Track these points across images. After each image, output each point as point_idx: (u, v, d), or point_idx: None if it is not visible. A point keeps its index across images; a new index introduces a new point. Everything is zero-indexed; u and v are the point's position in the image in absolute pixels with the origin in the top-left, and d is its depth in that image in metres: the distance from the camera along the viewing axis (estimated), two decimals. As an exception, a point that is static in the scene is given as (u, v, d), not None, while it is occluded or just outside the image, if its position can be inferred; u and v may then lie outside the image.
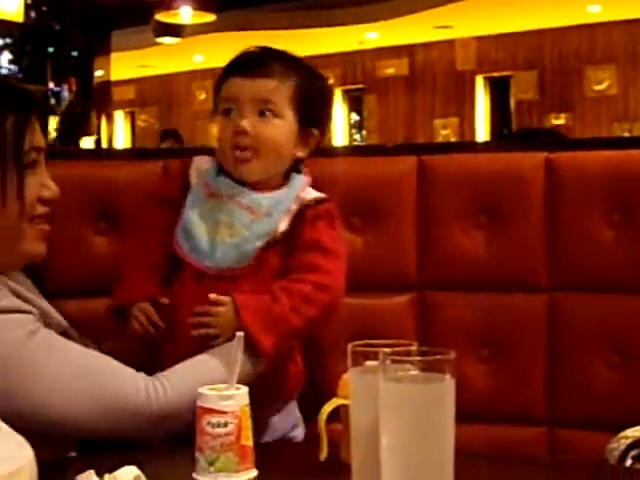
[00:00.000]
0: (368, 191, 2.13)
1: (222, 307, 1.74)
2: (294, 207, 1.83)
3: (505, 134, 11.25)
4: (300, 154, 1.89)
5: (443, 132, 11.51)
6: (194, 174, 1.90)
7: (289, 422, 1.93)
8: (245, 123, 1.81)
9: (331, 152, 2.29)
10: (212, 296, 1.75)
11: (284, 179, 1.89)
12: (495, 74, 11.38)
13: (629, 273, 2.01)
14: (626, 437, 1.74)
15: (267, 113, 1.82)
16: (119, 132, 14.38)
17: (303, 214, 1.83)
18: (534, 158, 2.08)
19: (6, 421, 1.33)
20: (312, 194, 1.87)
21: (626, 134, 10.17)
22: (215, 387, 1.38)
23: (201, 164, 1.92)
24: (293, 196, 1.85)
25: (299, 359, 1.94)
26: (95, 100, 10.06)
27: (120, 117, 14.55)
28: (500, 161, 2.11)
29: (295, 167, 1.91)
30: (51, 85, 9.52)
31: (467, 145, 2.18)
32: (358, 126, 12.73)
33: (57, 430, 1.60)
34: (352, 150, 2.14)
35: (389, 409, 1.13)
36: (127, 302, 1.84)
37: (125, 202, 2.10)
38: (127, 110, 14.55)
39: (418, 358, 1.15)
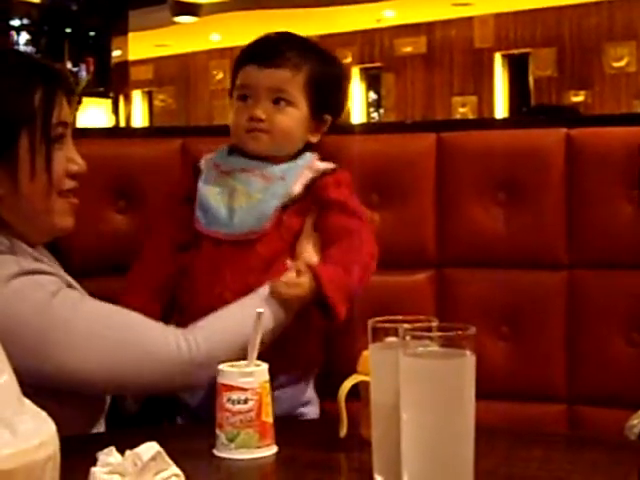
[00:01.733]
0: (386, 168, 2.13)
1: (303, 277, 1.74)
2: (307, 172, 1.88)
3: (524, 112, 11.19)
4: (312, 139, 1.94)
5: (461, 110, 11.48)
6: (204, 162, 1.94)
7: (300, 398, 1.94)
8: (260, 111, 1.87)
9: (349, 129, 2.29)
10: (291, 264, 1.78)
11: (294, 155, 1.93)
12: (514, 51, 11.33)
13: (648, 249, 2.00)
14: (646, 414, 1.74)
15: (281, 102, 1.88)
16: (137, 112, 14.40)
17: (320, 180, 1.88)
18: (554, 134, 2.07)
19: (42, 384, 1.34)
20: (325, 164, 1.91)
21: (646, 112, 10.11)
22: (235, 364, 1.39)
23: (210, 155, 1.96)
24: (304, 165, 1.90)
25: (320, 333, 1.96)
26: (113, 80, 10.08)
27: (138, 97, 14.56)
28: (519, 138, 2.10)
29: (305, 149, 1.95)
30: (69, 65, 9.55)
31: (486, 122, 2.17)
32: (376, 105, 12.71)
33: (92, 388, 1.61)
34: (370, 127, 2.13)
35: (409, 385, 1.13)
36: None
37: (144, 181, 2.11)
38: (145, 90, 14.57)
39: (438, 334, 1.14)
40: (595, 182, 2.04)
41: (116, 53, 10.21)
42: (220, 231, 1.85)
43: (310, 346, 1.94)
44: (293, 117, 1.88)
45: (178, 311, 1.89)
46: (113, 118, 10.05)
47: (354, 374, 1.41)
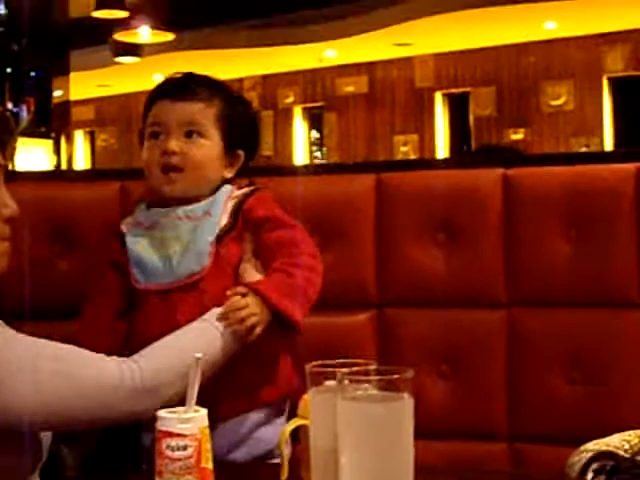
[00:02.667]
0: (327, 210, 2.14)
1: (247, 297, 1.73)
2: (230, 201, 1.88)
3: (465, 150, 11.31)
4: (227, 174, 1.93)
5: (403, 149, 11.56)
6: (124, 226, 1.92)
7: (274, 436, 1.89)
8: (173, 144, 1.85)
9: (289, 171, 2.30)
10: (229, 292, 1.75)
11: (212, 192, 1.93)
12: (454, 90, 11.45)
13: (587, 288, 2.03)
14: (587, 450, 1.74)
15: (194, 134, 1.87)
16: (79, 152, 14.32)
17: (244, 204, 1.88)
18: (491, 174, 2.10)
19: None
20: (245, 189, 1.92)
21: (583, 148, 10.27)
22: (174, 410, 1.37)
23: (127, 219, 1.95)
24: (224, 197, 1.89)
25: (289, 360, 1.92)
26: (54, 120, 9.98)
27: (80, 137, 14.49)
28: (458, 178, 2.12)
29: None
30: (9, 105, 9.44)
31: (425, 162, 2.19)
32: (318, 143, 12.75)
33: (31, 424, 1.56)
34: (310, 169, 2.14)
35: (347, 429, 1.13)
36: None
37: (82, 224, 2.09)
38: (87, 130, 14.50)
39: (376, 377, 1.14)
40: (532, 221, 2.07)
41: (57, 93, 10.13)
42: (163, 282, 1.84)
43: (286, 368, 1.91)
44: (206, 149, 1.88)
45: None
46: (55, 158, 9.96)
47: (294, 418, 1.40)
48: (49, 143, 9.76)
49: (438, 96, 11.52)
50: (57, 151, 10.04)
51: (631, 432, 1.71)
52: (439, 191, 2.12)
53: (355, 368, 1.17)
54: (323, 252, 2.10)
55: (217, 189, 1.92)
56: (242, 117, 1.95)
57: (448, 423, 2.09)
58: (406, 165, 2.26)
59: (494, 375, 2.07)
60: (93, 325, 1.88)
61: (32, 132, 9.34)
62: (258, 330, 1.73)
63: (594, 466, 1.69)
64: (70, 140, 11.55)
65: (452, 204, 2.10)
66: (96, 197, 2.13)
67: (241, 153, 1.94)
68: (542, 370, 2.05)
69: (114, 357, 1.63)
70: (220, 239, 1.84)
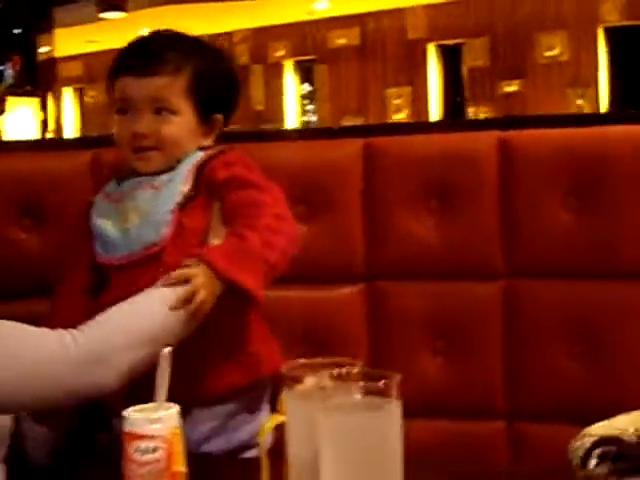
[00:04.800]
0: (313, 177, 2.02)
1: (193, 268, 1.57)
2: (194, 163, 1.74)
3: (458, 101, 11.18)
4: (205, 142, 1.79)
5: (395, 102, 11.41)
6: (95, 198, 1.81)
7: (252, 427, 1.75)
8: (142, 127, 1.73)
9: (273, 136, 2.17)
10: (165, 280, 1.59)
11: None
12: (447, 42, 11.26)
13: (587, 257, 1.91)
14: (590, 435, 1.63)
15: (163, 111, 1.73)
16: (68, 109, 14.13)
17: (207, 165, 1.74)
18: (487, 137, 1.97)
19: None
20: (211, 150, 1.78)
21: (579, 101, 10.12)
22: (143, 407, 1.26)
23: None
24: (192, 162, 1.75)
25: (260, 340, 1.76)
26: (40, 78, 9.85)
27: (69, 94, 14.29)
28: (452, 142, 2.00)
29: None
30: (-6, 64, 9.30)
31: (417, 125, 2.06)
32: (310, 97, 12.59)
33: None
34: (295, 133, 2.01)
35: (329, 441, 1.01)
36: None
37: (51, 197, 1.97)
38: (76, 87, 14.29)
39: (361, 384, 1.02)
40: (531, 187, 1.94)
41: (43, 49, 9.97)
42: (119, 254, 1.71)
43: (256, 349, 1.75)
44: (178, 126, 1.74)
45: None
46: (41, 115, 9.82)
47: (274, 414, 1.28)
48: (35, 101, 9.63)
49: (431, 48, 11.34)
50: (44, 109, 9.91)
51: (638, 412, 1.61)
52: (432, 156, 1.99)
53: (337, 371, 1.05)
54: (308, 222, 2.00)
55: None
56: (218, 79, 1.80)
57: (444, 401, 1.98)
58: (396, 129, 2.13)
59: (491, 351, 1.96)
60: (64, 303, 1.76)
61: (18, 91, 9.21)
62: (208, 305, 1.56)
63: (598, 451, 1.59)
64: (58, 97, 11.40)
65: (446, 169, 1.98)
66: (66, 168, 2.00)
67: (219, 117, 1.80)
68: (542, 345, 1.93)
69: (60, 330, 1.50)
70: (183, 207, 1.70)
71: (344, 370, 1.05)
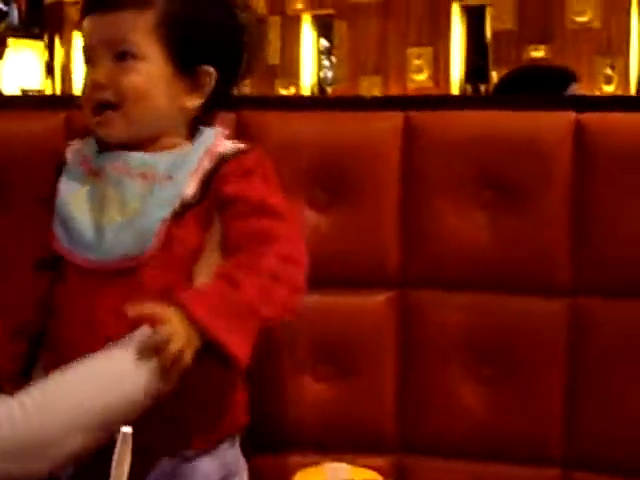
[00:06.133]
0: (338, 157, 1.63)
1: (166, 317, 1.22)
2: (206, 163, 1.39)
3: (480, 66, 10.80)
4: (189, 103, 1.42)
5: (416, 62, 11.01)
6: (70, 154, 1.44)
7: (221, 469, 1.43)
8: (99, 74, 1.38)
9: (288, 104, 1.77)
10: (132, 312, 1.22)
11: (188, 134, 1.44)
12: (472, 2, 10.86)
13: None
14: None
15: (127, 56, 1.38)
16: (78, 53, 13.76)
17: (221, 170, 1.38)
18: (560, 119, 1.58)
19: None
20: (230, 146, 1.42)
21: (608, 70, 9.74)
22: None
23: (80, 143, 1.46)
24: (202, 151, 1.40)
25: (240, 382, 1.45)
26: (47, 20, 9.45)
27: (79, 38, 13.91)
28: (514, 121, 1.61)
29: (203, 122, 1.46)
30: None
31: (470, 100, 1.67)
32: (327, 52, 12.20)
33: None
34: (317, 102, 1.63)
35: None
36: None
37: (15, 167, 1.60)
38: (86, 31, 13.91)
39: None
40: (609, 179, 1.57)
41: (52, -9, 9.56)
42: (86, 257, 1.35)
43: (225, 400, 1.42)
44: (143, 74, 1.38)
45: (47, 346, 1.39)
46: (46, 55, 9.45)
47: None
48: (40, 45, 9.23)
49: (455, 7, 10.92)
50: (50, 53, 9.52)
51: None
52: (487, 137, 1.61)
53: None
54: (329, 212, 1.62)
55: (194, 130, 1.43)
56: (202, 19, 1.41)
57: (488, 441, 1.62)
58: (443, 102, 1.73)
59: (550, 382, 1.60)
60: (12, 274, 1.41)
61: (22, 34, 8.83)
62: (185, 360, 1.22)
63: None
64: (65, 41, 10.99)
65: (504, 155, 1.60)
66: (33, 131, 1.61)
67: (210, 70, 1.42)
68: (614, 378, 1.57)
69: None
70: (178, 216, 1.35)
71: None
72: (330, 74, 12.06)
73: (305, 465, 1.38)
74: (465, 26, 11.03)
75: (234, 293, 1.25)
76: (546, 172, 1.56)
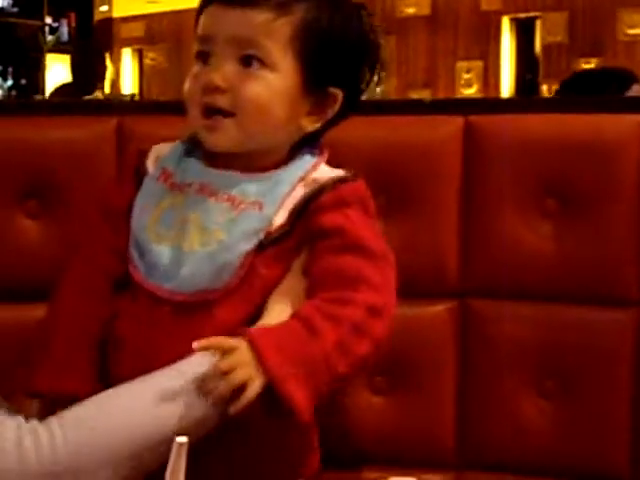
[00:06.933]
0: (396, 162, 1.57)
1: (234, 346, 1.13)
2: (299, 191, 1.26)
3: (529, 79, 10.71)
4: (308, 126, 1.29)
5: (466, 76, 10.96)
6: (151, 163, 1.32)
7: None
8: (218, 76, 1.23)
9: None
10: (197, 345, 1.13)
11: (287, 157, 1.31)
12: (522, 15, 10.78)
13: None
14: None
15: (253, 61, 1.23)
16: (126, 71, 13.86)
17: (315, 201, 1.25)
18: (624, 121, 1.52)
19: None
20: (328, 173, 1.29)
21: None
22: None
23: (163, 149, 1.34)
24: (297, 177, 1.27)
25: (314, 429, 1.35)
26: (96, 37, 9.53)
27: (128, 55, 14.01)
28: (580, 125, 1.55)
29: (305, 144, 1.32)
30: (48, 20, 8.98)
31: (534, 102, 1.61)
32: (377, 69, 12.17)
33: None
34: (374, 106, 1.58)
35: None
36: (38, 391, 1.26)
37: (63, 174, 1.55)
38: (135, 48, 13.99)
39: None
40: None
41: (103, 8, 9.64)
42: (162, 286, 1.25)
43: (291, 447, 1.32)
44: (271, 86, 1.24)
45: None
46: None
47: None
48: (90, 61, 9.29)
49: (505, 20, 10.85)
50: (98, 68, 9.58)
51: None
52: (552, 142, 1.55)
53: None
54: (387, 219, 1.55)
55: (291, 156, 1.30)
56: (342, 34, 1.27)
57: (553, 459, 1.55)
58: (506, 105, 1.67)
59: (619, 396, 1.52)
60: (86, 291, 1.30)
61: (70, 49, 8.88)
62: (249, 394, 1.11)
63: None
64: (114, 58, 11.08)
65: (568, 159, 1.54)
66: (82, 138, 1.57)
67: (337, 93, 1.29)
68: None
69: (19, 423, 1.11)
70: (262, 247, 1.24)
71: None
72: (378, 89, 12.05)
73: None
74: (515, 39, 10.96)
75: (310, 341, 1.15)
76: (614, 179, 1.50)
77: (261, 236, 1.23)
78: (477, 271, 1.58)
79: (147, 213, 1.28)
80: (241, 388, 1.11)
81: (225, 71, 1.23)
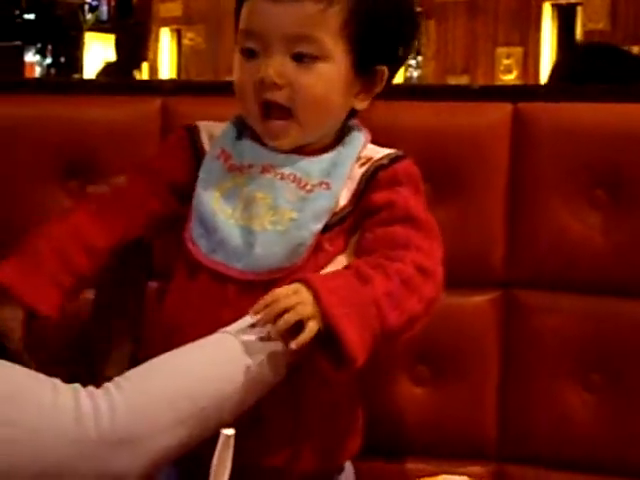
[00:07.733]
0: (442, 149, 1.55)
1: (293, 295, 1.14)
2: (357, 170, 1.28)
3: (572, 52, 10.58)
4: (358, 105, 1.30)
5: (505, 62, 10.85)
6: (206, 140, 1.32)
7: None
8: (270, 71, 1.22)
9: (390, 93, 1.70)
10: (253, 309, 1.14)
11: (337, 135, 1.32)
12: (563, 1, 10.67)
13: None
14: None
15: (305, 58, 1.23)
16: (164, 50, 13.87)
17: (373, 180, 1.28)
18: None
19: None
20: (380, 151, 1.31)
21: None
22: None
23: (212, 128, 1.33)
24: (353, 156, 1.29)
25: (360, 406, 1.36)
26: (135, 16, 9.55)
27: (166, 35, 14.02)
28: (632, 114, 1.52)
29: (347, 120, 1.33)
30: (88, -1, 9.01)
31: (585, 90, 1.57)
32: (415, 52, 12.09)
33: None
34: (422, 91, 1.55)
35: None
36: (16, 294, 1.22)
37: (105, 154, 1.55)
38: (173, 28, 13.99)
39: None
40: None
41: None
42: (231, 265, 1.24)
43: (339, 421, 1.32)
44: (325, 77, 1.24)
45: (143, 345, 1.34)
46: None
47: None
48: (129, 41, 9.30)
49: (546, 6, 10.73)
50: (139, 48, 9.59)
51: None
52: (602, 131, 1.52)
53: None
54: (436, 208, 1.52)
55: (343, 131, 1.31)
56: (387, 14, 1.27)
57: (599, 452, 1.53)
58: (556, 92, 1.63)
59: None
60: (97, 207, 1.31)
61: (110, 28, 8.91)
62: (309, 331, 1.11)
63: None
64: (153, 38, 11.10)
65: (620, 151, 1.50)
66: (125, 119, 1.56)
67: (384, 69, 1.30)
68: None
69: (74, 387, 1.08)
70: (329, 228, 1.25)
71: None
72: (416, 73, 11.96)
73: (406, 472, 1.31)
74: (556, 25, 10.85)
75: (361, 287, 1.16)
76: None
77: (327, 216, 1.25)
78: (523, 261, 1.55)
79: (211, 191, 1.27)
80: (300, 328, 1.11)
81: (279, 67, 1.23)
